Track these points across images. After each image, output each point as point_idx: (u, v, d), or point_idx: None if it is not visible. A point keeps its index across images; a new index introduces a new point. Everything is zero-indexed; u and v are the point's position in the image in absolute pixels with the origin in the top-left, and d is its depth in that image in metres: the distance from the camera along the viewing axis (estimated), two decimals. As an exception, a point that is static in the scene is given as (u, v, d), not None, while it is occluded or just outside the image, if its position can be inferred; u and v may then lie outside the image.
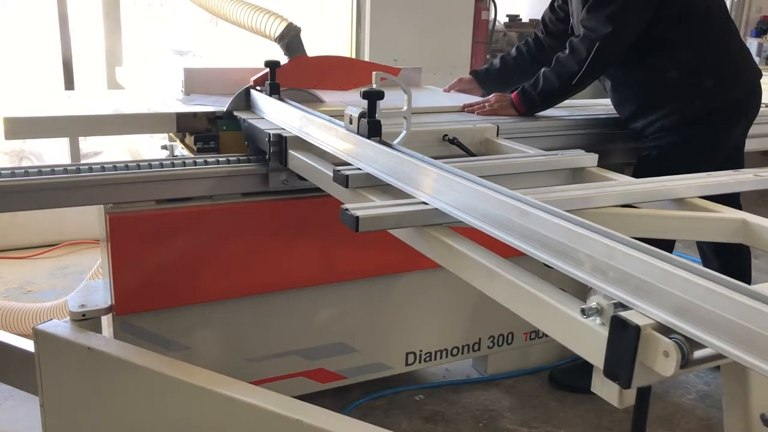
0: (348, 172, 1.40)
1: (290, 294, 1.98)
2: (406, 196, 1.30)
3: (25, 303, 2.74)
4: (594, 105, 2.58)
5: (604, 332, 0.83)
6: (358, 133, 1.47)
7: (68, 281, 3.21)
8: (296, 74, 2.11)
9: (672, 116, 2.07)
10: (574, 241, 0.92)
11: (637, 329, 0.78)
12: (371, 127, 1.44)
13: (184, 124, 2.05)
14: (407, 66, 2.89)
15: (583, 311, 0.85)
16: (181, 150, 2.19)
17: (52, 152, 3.75)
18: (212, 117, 2.07)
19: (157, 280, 1.80)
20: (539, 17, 2.60)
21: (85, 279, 2.63)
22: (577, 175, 1.66)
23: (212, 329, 1.94)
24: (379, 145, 1.41)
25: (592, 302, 0.86)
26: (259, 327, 2.00)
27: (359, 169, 1.44)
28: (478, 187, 1.13)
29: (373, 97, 1.43)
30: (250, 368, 2.02)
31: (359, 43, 3.91)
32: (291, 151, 1.74)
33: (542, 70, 2.15)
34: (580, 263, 0.91)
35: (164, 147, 2.38)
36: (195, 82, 2.41)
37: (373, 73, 1.49)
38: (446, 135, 1.93)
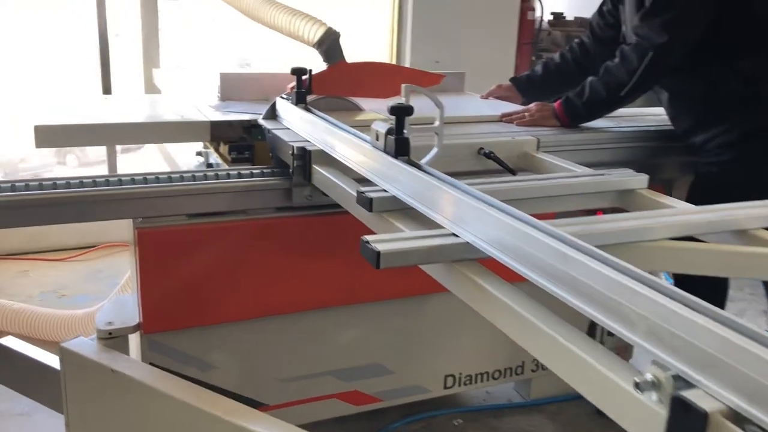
0: (372, 195, 1.28)
1: (323, 313, 1.88)
2: (434, 223, 1.18)
3: (56, 310, 2.69)
4: (642, 115, 2.41)
5: (663, 412, 0.69)
6: (384, 151, 1.35)
7: (101, 286, 3.15)
8: (335, 81, 2.01)
9: (733, 131, 1.90)
10: (625, 297, 0.79)
11: (705, 416, 0.65)
12: (399, 146, 1.32)
13: (218, 133, 1.97)
14: (450, 70, 2.76)
15: (637, 385, 0.72)
16: (215, 158, 2.11)
17: (96, 147, 3.72)
18: (247, 126, 1.98)
19: (187, 298, 1.71)
20: (583, 15, 2.44)
21: (115, 291, 2.57)
22: (625, 198, 1.51)
23: (242, 349, 1.84)
24: (406, 165, 1.28)
25: (648, 374, 0.72)
26: (290, 347, 1.90)
27: (384, 191, 1.32)
28: (514, 221, 1.00)
29: (401, 113, 1.31)
30: (282, 389, 1.92)
31: (400, 44, 3.78)
32: (315, 166, 1.63)
33: (589, 79, 2.00)
34: (631, 324, 0.77)
35: (199, 153, 2.31)
36: (231, 88, 2.33)
37: (402, 86, 1.37)
38: (482, 148, 1.80)
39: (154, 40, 3.42)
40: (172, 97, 2.44)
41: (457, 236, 1.08)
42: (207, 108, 2.15)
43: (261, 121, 1.95)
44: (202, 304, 1.71)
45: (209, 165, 2.21)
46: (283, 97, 1.96)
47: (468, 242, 1.06)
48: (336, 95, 2.06)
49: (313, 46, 1.97)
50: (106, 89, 3.32)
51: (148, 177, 1.68)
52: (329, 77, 1.99)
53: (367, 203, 1.28)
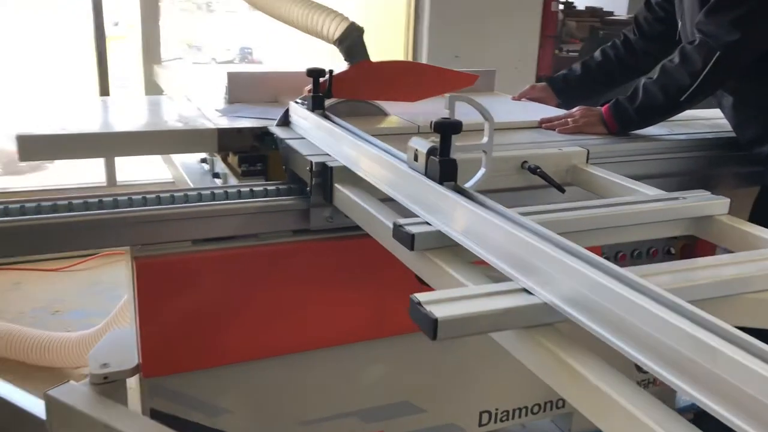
0: (414, 230, 1.06)
1: (346, 349, 1.65)
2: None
3: (47, 333, 2.47)
4: (695, 119, 2.18)
5: None
6: (426, 175, 1.13)
7: (100, 300, 2.94)
8: (357, 83, 1.79)
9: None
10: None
11: None
12: (444, 170, 1.10)
13: (226, 142, 1.75)
14: (470, 65, 2.53)
15: None
16: (222, 167, 1.89)
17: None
18: (259, 133, 1.76)
19: (193, 336, 1.48)
20: (594, 4, 2.21)
21: (112, 314, 2.35)
22: (702, 226, 1.29)
23: (258, 390, 1.62)
24: (453, 194, 1.07)
25: None
26: (311, 386, 1.67)
27: (427, 224, 1.10)
28: (607, 280, 0.78)
29: (448, 130, 1.09)
30: (303, 433, 1.71)
31: (417, 37, 3.55)
32: (338, 186, 1.41)
33: (642, 80, 1.77)
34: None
35: (203, 160, 2.09)
36: (240, 89, 2.11)
37: (447, 96, 1.14)
38: (525, 162, 1.58)
39: (154, 34, 3.18)
40: (175, 99, 2.22)
41: (529, 293, 0.86)
42: (213, 112, 1.93)
43: (273, 130, 1.73)
44: (210, 343, 1.49)
45: (215, 174, 2.00)
46: (297, 102, 1.74)
47: (546, 303, 0.84)
48: (358, 98, 1.84)
49: (334, 43, 1.75)
50: (104, 90, 3.09)
51: (148, 197, 1.46)
52: (351, 78, 1.77)
53: (407, 240, 1.06)
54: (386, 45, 3.74)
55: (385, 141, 1.42)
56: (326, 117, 1.63)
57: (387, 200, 1.28)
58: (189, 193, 1.50)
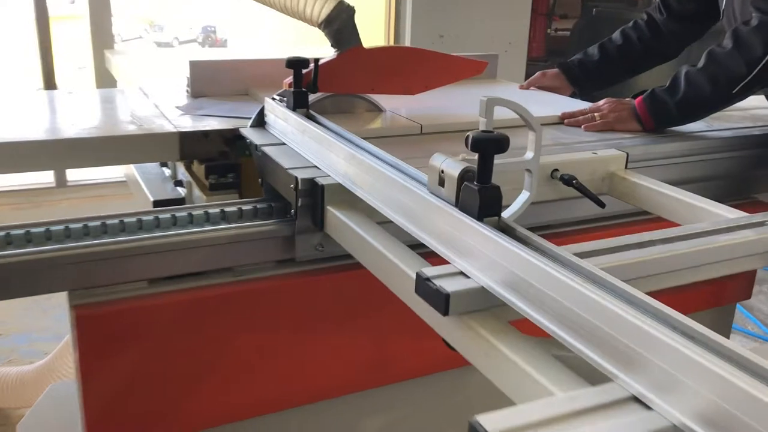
0: (449, 287, 0.77)
1: (344, 401, 1.35)
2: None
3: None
4: (730, 110, 1.91)
5: None
6: (458, 207, 0.84)
7: (47, 322, 2.59)
8: (348, 73, 1.48)
9: None
10: None
11: None
12: (485, 202, 0.81)
13: (190, 149, 1.44)
14: (456, 46, 2.24)
15: None
16: (184, 173, 1.58)
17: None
18: (230, 136, 1.45)
19: (153, 400, 1.17)
20: None
21: (50, 357, 2.02)
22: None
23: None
24: (500, 236, 0.78)
25: None
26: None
27: (464, 275, 0.81)
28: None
29: (490, 149, 0.80)
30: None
31: (399, 15, 3.23)
32: (331, 209, 1.12)
33: (684, 69, 1.50)
34: None
35: (164, 164, 1.78)
36: (204, 80, 1.79)
37: (482, 99, 0.85)
38: (556, 170, 1.30)
39: (104, 15, 2.81)
40: (128, 93, 1.88)
41: (645, 405, 0.58)
42: (173, 110, 1.61)
43: (246, 133, 1.42)
44: (175, 408, 1.19)
45: (177, 182, 1.68)
46: (275, 98, 1.43)
47: (676, 426, 0.55)
48: (349, 92, 1.54)
49: (319, 26, 1.44)
50: (49, 82, 2.72)
51: (90, 225, 1.15)
52: (340, 68, 1.47)
53: (440, 302, 0.77)
54: (365, 23, 3.41)
55: (382, 145, 1.14)
56: (311, 118, 1.33)
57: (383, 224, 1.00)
58: (143, 218, 1.19)
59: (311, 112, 1.36)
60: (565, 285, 0.69)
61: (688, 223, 1.22)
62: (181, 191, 1.65)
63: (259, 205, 1.26)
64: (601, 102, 1.62)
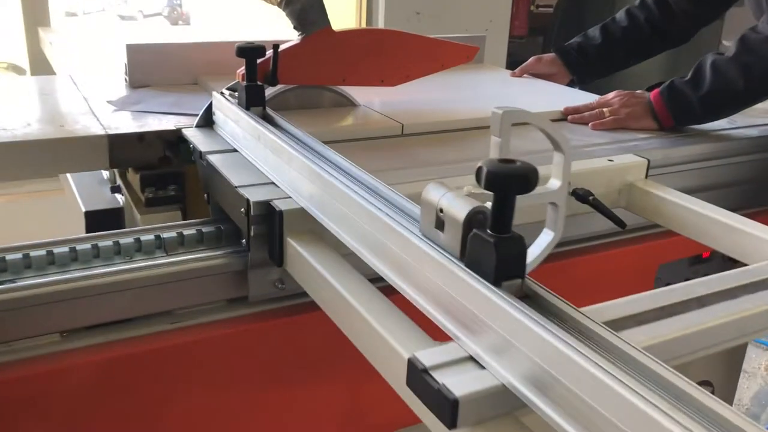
0: (457, 388, 0.54)
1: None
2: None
3: None
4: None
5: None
6: (463, 261, 0.61)
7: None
8: (315, 61, 1.24)
9: None
10: None
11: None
12: (504, 260, 0.57)
13: (123, 155, 1.19)
14: (440, 29, 2.00)
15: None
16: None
17: None
18: (172, 139, 1.20)
19: None
20: None
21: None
22: None
23: None
24: (525, 311, 0.55)
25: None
26: None
27: (475, 362, 0.58)
28: None
29: (511, 188, 0.57)
30: None
31: (370, -10, 2.97)
32: (292, 242, 0.88)
33: (709, 59, 1.28)
34: None
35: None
36: (145, 67, 1.53)
37: (496, 113, 0.62)
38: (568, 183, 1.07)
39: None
40: (56, 83, 1.60)
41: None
42: (104, 105, 1.35)
43: (189, 135, 1.17)
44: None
45: (115, 188, 1.42)
46: (224, 93, 1.18)
47: None
48: (315, 84, 1.29)
49: (279, 5, 1.19)
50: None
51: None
52: (305, 55, 1.22)
53: (446, 410, 0.53)
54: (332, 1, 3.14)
55: (356, 149, 0.92)
56: (268, 119, 1.08)
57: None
58: (56, 250, 0.94)
59: (269, 110, 1.11)
60: (620, 399, 0.46)
61: (726, 249, 1.01)
62: (120, 199, 1.40)
63: (205, 229, 1.02)
64: (610, 95, 1.40)
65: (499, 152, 0.62)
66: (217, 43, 1.59)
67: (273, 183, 0.96)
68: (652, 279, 1.35)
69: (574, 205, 1.09)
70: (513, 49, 3.44)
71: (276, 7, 1.19)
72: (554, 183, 0.68)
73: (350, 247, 0.78)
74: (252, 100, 1.10)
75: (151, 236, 0.99)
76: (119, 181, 1.39)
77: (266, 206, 0.90)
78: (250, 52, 1.08)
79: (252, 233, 0.91)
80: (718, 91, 1.26)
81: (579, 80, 1.69)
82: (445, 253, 0.63)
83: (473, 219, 0.60)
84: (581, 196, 1.05)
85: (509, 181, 0.55)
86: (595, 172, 1.11)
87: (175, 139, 1.21)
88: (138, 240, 0.98)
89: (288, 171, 0.92)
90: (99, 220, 1.37)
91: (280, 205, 0.88)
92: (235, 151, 1.10)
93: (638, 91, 1.39)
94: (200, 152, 1.09)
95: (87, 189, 1.45)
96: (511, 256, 0.58)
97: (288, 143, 0.93)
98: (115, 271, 0.90)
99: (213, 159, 1.05)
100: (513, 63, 3.41)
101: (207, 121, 1.22)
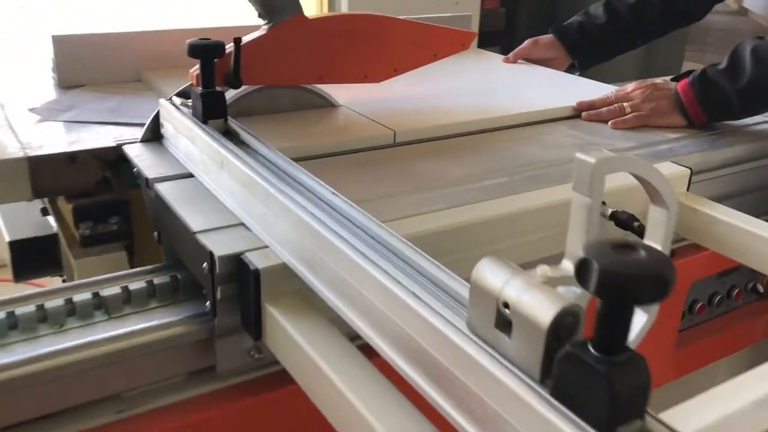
0: None
1: None
2: None
3: None
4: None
5: None
6: (553, 396, 0.40)
7: None
8: (285, 56, 1.01)
9: None
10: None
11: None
12: (622, 399, 0.37)
13: (49, 181, 0.95)
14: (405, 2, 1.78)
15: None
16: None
17: None
18: (113, 158, 0.97)
19: None
20: None
21: None
22: None
23: None
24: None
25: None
26: None
27: None
28: None
29: (637, 297, 0.36)
30: None
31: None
32: (273, 311, 0.66)
33: (748, 44, 1.09)
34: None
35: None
36: (76, 63, 1.28)
37: (584, 161, 0.41)
38: (603, 204, 0.88)
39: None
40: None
41: None
42: (26, 115, 1.10)
43: (132, 156, 0.94)
44: None
45: (46, 210, 1.18)
46: (173, 101, 0.95)
47: None
48: (286, 83, 1.07)
49: None
50: None
51: None
52: (273, 49, 1.00)
53: None
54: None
55: (341, 166, 0.72)
56: (232, 135, 0.86)
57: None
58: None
59: (231, 123, 0.89)
60: None
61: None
62: (53, 223, 1.16)
63: (157, 279, 0.79)
64: (629, 87, 1.20)
65: (589, 220, 0.41)
66: (165, 32, 1.35)
67: (242, 224, 0.75)
68: (683, 300, 1.18)
69: (609, 229, 0.90)
70: (487, 23, 3.23)
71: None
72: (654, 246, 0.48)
73: (357, 331, 0.57)
74: (210, 112, 0.87)
75: (87, 294, 0.77)
76: (49, 210, 1.15)
77: (236, 261, 0.68)
78: (205, 50, 0.85)
79: (218, 296, 0.69)
80: (762, 82, 1.07)
81: (580, 65, 1.50)
82: (512, 368, 0.43)
83: (561, 325, 0.40)
84: (624, 221, 0.86)
85: (635, 286, 0.35)
86: (632, 188, 0.91)
87: (115, 158, 0.98)
88: (69, 301, 0.76)
89: (264, 212, 0.70)
90: (27, 251, 1.14)
91: (256, 260, 0.67)
92: (191, 176, 0.87)
93: (661, 81, 1.20)
94: (147, 179, 0.86)
95: (12, 211, 1.21)
96: (629, 390, 0.38)
97: (263, 176, 0.71)
98: (38, 357, 0.68)
99: (164, 190, 0.83)
100: (482, 38, 3.19)
101: (155, 134, 0.99)
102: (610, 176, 0.92)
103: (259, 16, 0.99)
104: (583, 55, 1.48)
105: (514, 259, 0.83)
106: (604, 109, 1.18)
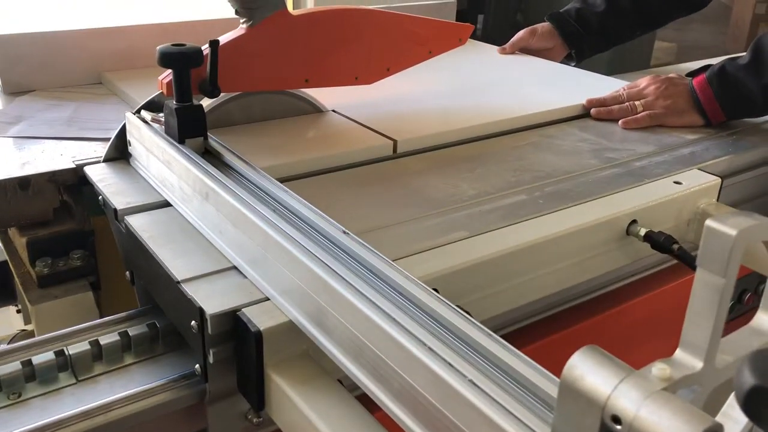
0: None
1: None
2: None
3: None
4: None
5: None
6: None
7: None
8: (267, 58, 0.89)
9: None
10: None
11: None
12: None
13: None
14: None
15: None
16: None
17: None
18: (72, 181, 0.84)
19: None
20: None
21: None
22: None
23: None
24: None
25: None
26: None
27: None
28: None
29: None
30: None
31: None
32: (279, 380, 0.55)
33: None
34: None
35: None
36: (25, 66, 1.15)
37: (720, 231, 0.31)
38: (635, 222, 0.79)
39: None
40: None
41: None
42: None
43: (96, 180, 0.81)
44: None
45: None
46: (140, 115, 0.82)
47: None
48: (269, 89, 0.94)
49: None
50: None
51: None
52: (253, 50, 0.87)
53: None
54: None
55: (334, 185, 0.71)
56: (214, 158, 0.74)
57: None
58: None
59: (212, 141, 0.77)
60: None
61: None
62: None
63: (132, 330, 0.68)
64: (642, 83, 1.11)
65: (721, 306, 0.31)
66: (126, 28, 1.21)
67: (234, 268, 0.63)
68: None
69: (639, 249, 0.81)
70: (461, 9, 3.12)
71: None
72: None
73: (392, 416, 0.47)
74: (187, 130, 0.74)
75: (50, 354, 0.65)
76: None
77: (233, 319, 0.57)
78: (179, 59, 0.72)
79: (211, 360, 0.58)
80: None
81: (578, 55, 1.40)
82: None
83: None
84: (661, 244, 0.76)
85: None
86: (663, 203, 0.83)
87: (75, 180, 0.85)
88: (27, 364, 0.63)
89: (262, 256, 0.59)
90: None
91: (257, 319, 0.56)
92: (167, 204, 0.75)
93: (675, 76, 1.11)
94: (115, 210, 0.74)
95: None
96: None
97: (259, 213, 0.60)
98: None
99: (137, 225, 0.70)
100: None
101: (120, 152, 0.86)
102: (639, 190, 0.84)
103: (237, 13, 0.87)
104: (581, 44, 1.39)
105: (544, 291, 0.75)
106: (616, 106, 1.09)
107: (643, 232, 0.78)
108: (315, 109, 1.00)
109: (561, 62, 1.42)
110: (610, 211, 0.78)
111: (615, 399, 0.33)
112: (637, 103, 1.08)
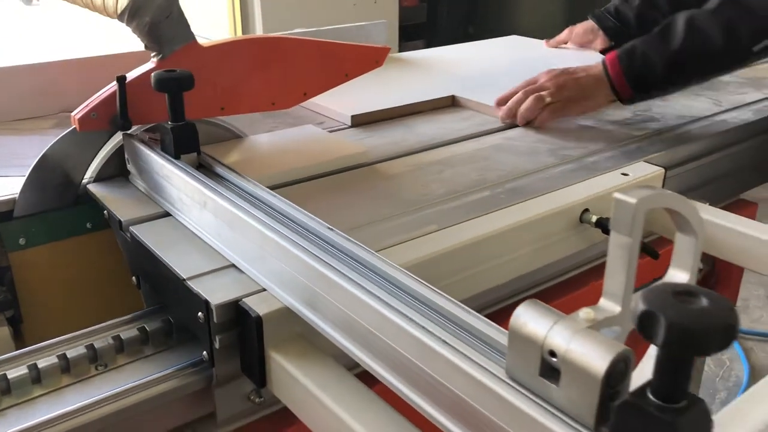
0: None
1: None
2: None
3: None
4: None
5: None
6: (605, 441, 0.40)
7: None
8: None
9: None
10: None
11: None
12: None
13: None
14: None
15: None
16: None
17: None
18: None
19: None
20: None
21: None
22: None
23: None
24: None
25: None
26: None
27: None
28: None
29: (703, 349, 0.35)
30: None
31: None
32: (278, 358, 0.63)
33: (681, 15, 1.07)
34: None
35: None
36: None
37: (624, 201, 0.40)
38: (586, 211, 0.89)
39: None
40: None
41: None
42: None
43: (97, 195, 0.89)
44: None
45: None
46: (140, 138, 0.90)
47: None
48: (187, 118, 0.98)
49: (119, 17, 0.87)
50: None
51: None
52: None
53: None
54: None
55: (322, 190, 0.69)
56: (206, 170, 0.83)
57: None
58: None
59: (205, 156, 0.85)
60: None
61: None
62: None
63: (150, 325, 0.75)
64: (542, 77, 1.18)
65: (630, 260, 0.40)
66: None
67: (233, 265, 0.72)
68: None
69: (592, 235, 0.91)
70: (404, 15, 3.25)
71: (116, 20, 0.88)
72: (679, 276, 0.48)
73: (377, 377, 0.55)
74: (182, 146, 0.83)
75: (81, 348, 0.72)
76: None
77: (235, 308, 0.65)
78: (174, 83, 0.81)
79: (217, 346, 0.66)
80: (690, 50, 1.05)
81: (619, 47, 1.50)
82: (562, 416, 0.42)
83: (614, 372, 0.39)
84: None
85: (705, 340, 0.34)
86: (612, 193, 0.92)
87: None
88: (64, 357, 0.71)
89: (258, 253, 0.68)
90: None
91: (256, 306, 0.64)
92: (167, 214, 0.83)
93: (569, 67, 1.19)
94: (120, 222, 0.82)
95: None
96: (695, 436, 0.37)
97: (254, 215, 0.68)
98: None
99: (141, 233, 0.78)
100: (406, 30, 3.16)
101: (119, 169, 0.94)
102: (590, 182, 0.93)
103: (146, 47, 0.91)
104: (619, 38, 1.46)
105: (509, 275, 0.84)
106: (522, 107, 1.16)
107: (594, 219, 0.88)
108: (234, 135, 1.03)
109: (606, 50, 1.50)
110: (565, 201, 0.88)
111: (551, 338, 0.42)
112: (543, 92, 1.14)
